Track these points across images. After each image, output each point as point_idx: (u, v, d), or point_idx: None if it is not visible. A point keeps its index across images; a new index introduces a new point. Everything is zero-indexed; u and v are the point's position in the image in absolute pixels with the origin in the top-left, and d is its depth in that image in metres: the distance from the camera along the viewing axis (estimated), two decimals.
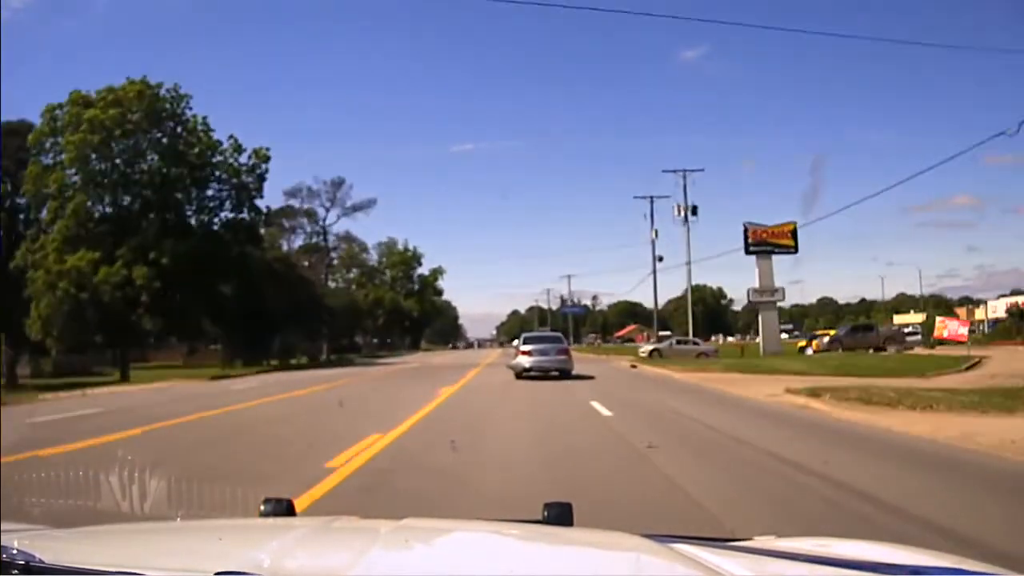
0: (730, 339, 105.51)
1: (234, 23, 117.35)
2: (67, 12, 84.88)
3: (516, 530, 1.75)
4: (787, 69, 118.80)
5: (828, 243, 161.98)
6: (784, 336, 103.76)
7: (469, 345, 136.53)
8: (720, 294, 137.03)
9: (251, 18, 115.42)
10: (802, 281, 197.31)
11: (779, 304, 42.19)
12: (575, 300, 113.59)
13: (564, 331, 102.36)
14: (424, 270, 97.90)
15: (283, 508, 1.84)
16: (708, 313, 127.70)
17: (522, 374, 21.51)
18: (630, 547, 1.53)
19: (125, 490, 2.34)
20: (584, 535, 1.76)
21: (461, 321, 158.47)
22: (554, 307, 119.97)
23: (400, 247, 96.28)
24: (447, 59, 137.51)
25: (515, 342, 32.79)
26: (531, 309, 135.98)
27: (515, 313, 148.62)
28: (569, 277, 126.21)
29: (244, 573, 1.13)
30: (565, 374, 21.56)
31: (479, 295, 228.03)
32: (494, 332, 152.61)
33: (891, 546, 1.57)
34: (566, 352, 22.75)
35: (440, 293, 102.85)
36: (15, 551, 1.21)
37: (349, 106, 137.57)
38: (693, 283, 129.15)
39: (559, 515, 1.75)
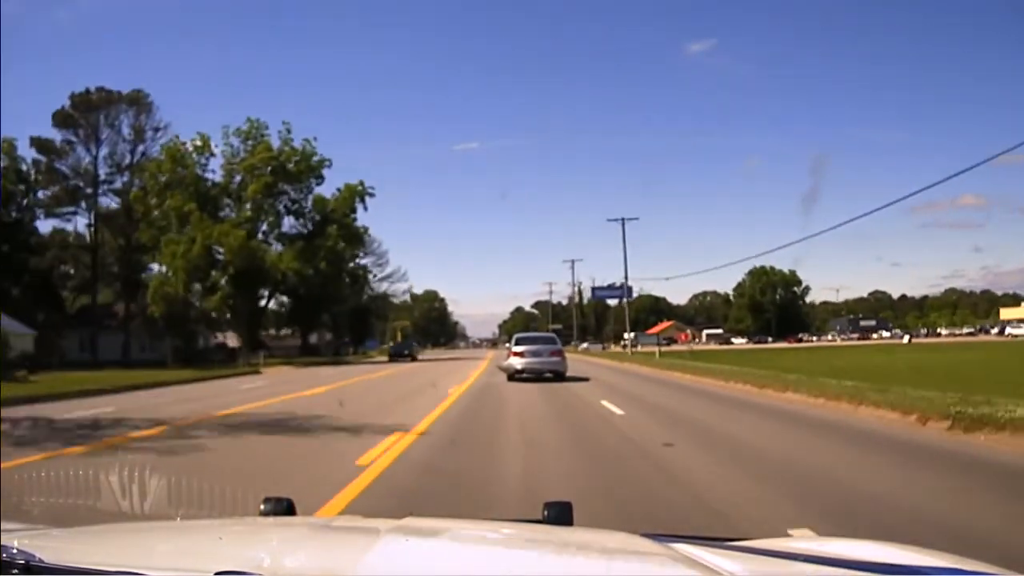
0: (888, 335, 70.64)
1: (234, 23, 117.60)
2: (59, 4, 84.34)
3: (516, 530, 1.75)
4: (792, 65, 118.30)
5: (831, 242, 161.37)
6: (886, 335, 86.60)
7: (407, 352, 54.10)
8: (794, 279, 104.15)
9: (250, 18, 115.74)
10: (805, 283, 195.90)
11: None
12: (589, 285, 77.96)
13: (584, 328, 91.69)
14: (330, 190, 49.62)
15: (283, 507, 1.84)
16: (779, 307, 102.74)
17: (514, 376, 21.25)
18: (630, 547, 1.53)
19: (125, 489, 2.33)
20: (584, 535, 1.75)
21: (459, 319, 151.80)
22: (555, 301, 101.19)
23: (277, 138, 47.78)
24: (448, 59, 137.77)
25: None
26: (537, 304, 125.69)
27: (519, 310, 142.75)
28: (624, 221, 55.20)
29: (244, 573, 1.13)
30: (559, 376, 21.23)
31: (482, 296, 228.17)
32: (496, 332, 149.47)
33: (891, 546, 1.57)
34: (560, 353, 22.43)
35: (361, 239, 52.51)
36: (15, 551, 1.21)
37: (349, 106, 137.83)
38: (758, 265, 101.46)
39: (559, 515, 1.74)
